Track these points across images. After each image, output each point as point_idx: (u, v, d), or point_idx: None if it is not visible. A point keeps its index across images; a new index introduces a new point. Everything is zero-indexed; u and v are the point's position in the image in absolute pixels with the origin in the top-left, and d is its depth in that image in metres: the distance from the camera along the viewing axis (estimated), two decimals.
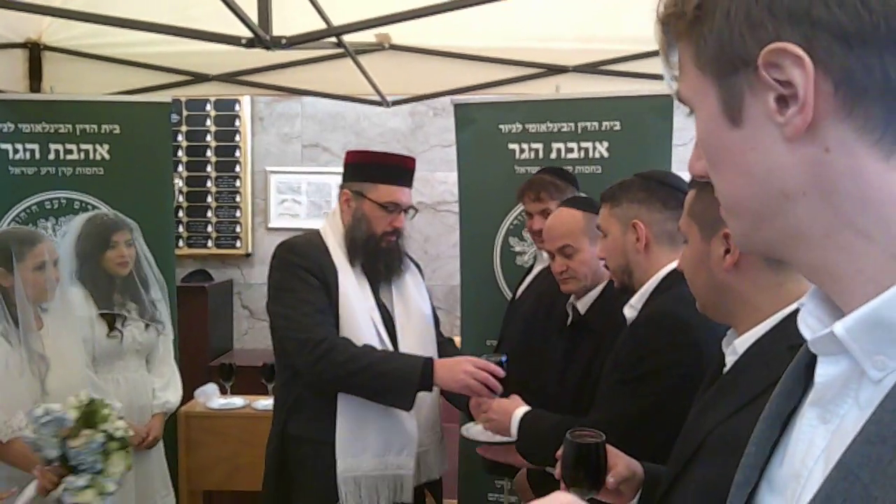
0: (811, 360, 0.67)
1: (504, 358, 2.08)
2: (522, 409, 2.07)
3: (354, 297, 2.41)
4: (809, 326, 0.65)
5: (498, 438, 2.10)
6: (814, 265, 0.62)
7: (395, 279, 2.54)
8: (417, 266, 2.74)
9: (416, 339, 2.51)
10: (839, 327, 0.58)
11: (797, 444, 0.65)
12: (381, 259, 2.48)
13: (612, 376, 1.84)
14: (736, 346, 1.32)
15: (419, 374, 2.27)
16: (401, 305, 2.54)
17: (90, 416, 2.23)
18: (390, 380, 2.28)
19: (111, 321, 3.05)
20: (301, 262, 2.40)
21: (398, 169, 2.51)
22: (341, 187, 2.56)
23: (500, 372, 2.26)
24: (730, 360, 1.35)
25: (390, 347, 2.43)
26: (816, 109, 0.56)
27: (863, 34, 0.55)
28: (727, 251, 1.32)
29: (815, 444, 0.63)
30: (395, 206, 2.47)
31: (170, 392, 3.24)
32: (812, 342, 0.63)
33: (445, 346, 2.68)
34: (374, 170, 2.48)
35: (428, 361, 2.31)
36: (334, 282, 2.40)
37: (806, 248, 0.62)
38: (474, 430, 2.20)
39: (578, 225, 2.34)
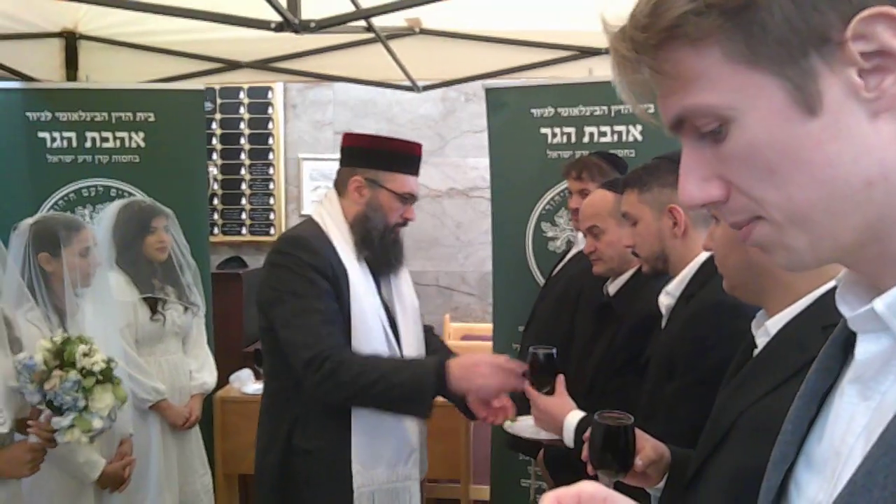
0: (848, 338, 0.66)
1: (554, 350, 1.99)
2: (576, 414, 1.88)
3: (365, 297, 2.24)
4: (848, 304, 0.63)
5: (543, 435, 2.00)
6: (876, 254, 0.59)
7: (395, 273, 2.39)
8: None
9: (413, 336, 2.38)
10: (879, 303, 0.57)
11: (837, 422, 0.64)
12: (391, 252, 2.33)
13: (672, 378, 1.72)
14: (768, 327, 1.30)
15: (433, 378, 2.07)
16: (399, 301, 2.38)
17: (62, 355, 2.22)
18: (405, 390, 2.08)
19: (153, 305, 3.12)
20: (312, 261, 2.17)
21: (414, 157, 2.35)
22: (349, 173, 2.30)
23: (519, 369, 2.04)
24: (761, 341, 1.32)
25: (395, 347, 2.29)
26: None
27: None
28: None
29: (855, 420, 0.61)
30: (412, 196, 2.33)
31: (206, 373, 3.34)
32: (852, 319, 0.62)
33: (429, 336, 2.53)
34: (392, 157, 2.29)
35: (440, 363, 2.10)
36: (345, 281, 2.20)
37: (875, 241, 0.58)
38: (519, 426, 2.09)
39: (607, 206, 2.33)
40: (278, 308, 2.16)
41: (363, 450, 2.21)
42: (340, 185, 2.33)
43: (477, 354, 2.26)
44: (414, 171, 2.35)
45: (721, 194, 0.61)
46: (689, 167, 0.62)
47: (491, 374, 2.06)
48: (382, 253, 2.30)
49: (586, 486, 0.77)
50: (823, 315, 1.17)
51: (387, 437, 2.25)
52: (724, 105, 0.58)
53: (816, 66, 0.55)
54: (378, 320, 2.26)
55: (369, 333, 2.21)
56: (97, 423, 2.23)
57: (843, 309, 0.63)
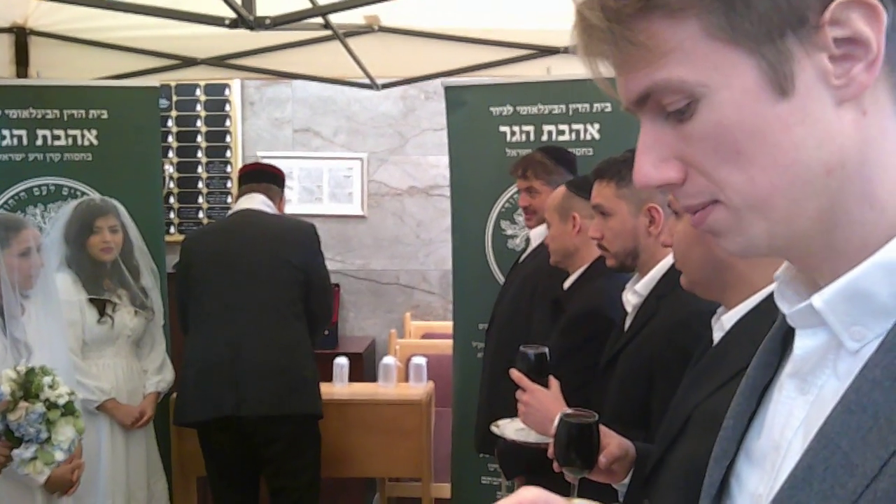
0: (786, 333, 0.67)
1: (546, 350, 1.95)
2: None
3: None
4: (787, 299, 0.64)
5: (533, 438, 1.91)
6: (821, 245, 0.59)
7: None
8: None
9: None
10: (818, 300, 0.57)
11: (775, 416, 0.65)
12: None
13: (653, 388, 1.69)
14: (723, 322, 1.32)
15: None
16: None
17: (29, 387, 2.22)
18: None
19: (101, 307, 3.06)
20: None
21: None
22: (279, 191, 3.44)
23: None
24: (717, 335, 1.34)
25: None
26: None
27: None
28: None
29: (793, 415, 0.62)
30: None
31: (164, 373, 3.29)
32: (790, 315, 0.62)
33: None
34: (283, 182, 3.49)
35: None
36: None
37: (824, 231, 0.58)
38: (508, 429, 2.02)
39: (553, 202, 2.41)
40: (324, 270, 3.36)
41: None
42: (273, 198, 3.38)
43: None
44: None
45: (678, 176, 0.60)
46: (647, 146, 0.61)
47: None
48: None
49: (526, 493, 0.75)
50: (775, 310, 1.18)
51: None
52: (697, 81, 0.56)
53: (792, 47, 0.54)
54: None
55: None
56: (59, 456, 2.25)
57: (782, 305, 0.64)
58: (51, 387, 2.27)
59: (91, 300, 3.06)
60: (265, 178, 3.40)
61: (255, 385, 3.03)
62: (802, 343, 0.61)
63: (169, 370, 3.34)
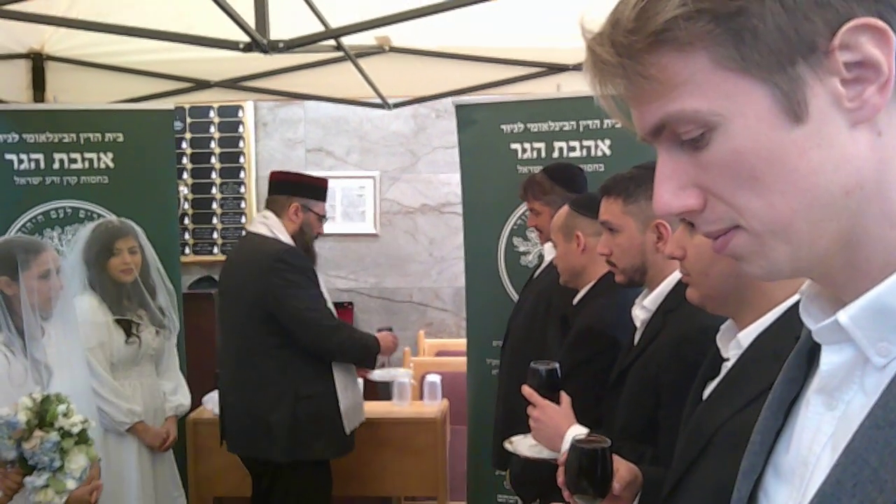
0: (812, 348, 0.67)
1: (556, 366, 1.96)
2: (577, 429, 1.84)
3: (322, 287, 3.18)
4: (812, 316, 0.64)
5: (546, 454, 1.91)
6: (844, 264, 0.59)
7: None
8: None
9: None
10: (843, 316, 0.58)
11: (803, 431, 0.65)
12: (316, 256, 3.27)
13: (660, 404, 1.68)
14: (740, 340, 1.29)
15: (378, 345, 3.20)
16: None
17: (44, 415, 2.24)
18: (373, 350, 3.19)
19: (127, 327, 3.09)
20: (307, 265, 3.09)
21: (326, 190, 3.28)
22: (287, 200, 3.14)
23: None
24: (733, 353, 1.32)
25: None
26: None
27: None
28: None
29: (821, 430, 0.62)
30: (325, 217, 3.25)
31: (180, 395, 3.32)
32: (816, 331, 0.63)
33: None
34: (316, 189, 3.21)
35: (375, 336, 3.28)
36: (317, 277, 3.13)
37: (845, 250, 0.59)
38: (521, 446, 2.01)
39: (556, 222, 2.43)
40: (294, 300, 3.00)
41: (341, 385, 3.12)
42: (279, 209, 3.14)
43: (382, 333, 3.33)
44: (325, 198, 3.27)
45: (697, 203, 0.61)
46: (665, 175, 0.62)
47: (393, 340, 3.30)
48: (312, 257, 3.21)
49: None
50: (796, 325, 1.17)
51: (348, 374, 3.19)
52: (711, 111, 0.57)
53: (804, 74, 0.55)
54: (330, 305, 3.21)
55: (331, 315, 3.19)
56: (70, 485, 2.26)
57: (808, 321, 0.64)
58: (65, 415, 2.28)
59: (117, 321, 3.09)
60: (272, 189, 3.23)
61: (233, 425, 3.15)
62: (829, 359, 0.62)
63: (184, 392, 3.36)
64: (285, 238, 3.07)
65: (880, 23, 0.53)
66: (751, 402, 1.18)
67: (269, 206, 3.17)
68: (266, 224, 3.11)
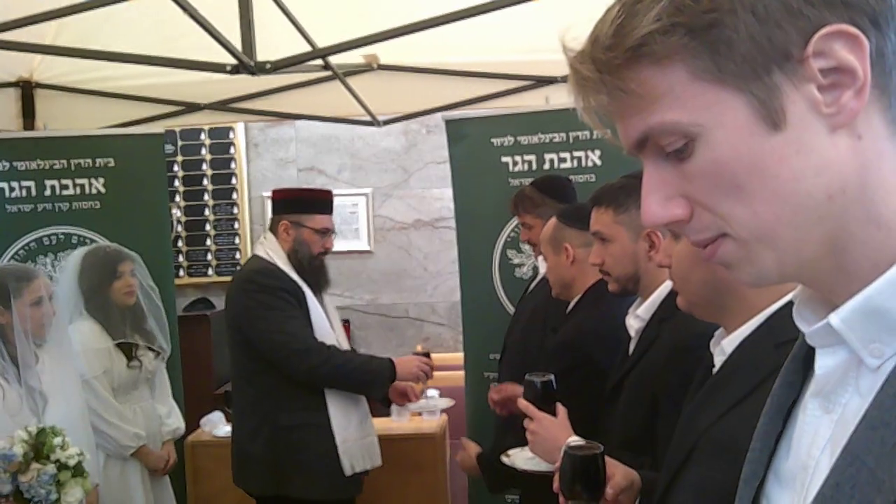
0: (809, 352, 0.67)
1: (552, 377, 1.93)
2: (575, 440, 1.82)
3: (317, 308, 2.95)
4: (805, 319, 0.64)
5: (544, 467, 1.89)
6: (831, 268, 0.60)
7: (325, 290, 3.08)
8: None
9: (342, 338, 3.09)
10: (835, 318, 0.58)
11: (802, 436, 0.65)
12: (320, 275, 3.02)
13: (656, 413, 1.68)
14: (724, 346, 1.30)
15: (389, 370, 2.90)
16: (330, 311, 3.10)
17: (40, 447, 2.23)
18: (374, 376, 2.90)
19: (128, 352, 3.09)
20: (279, 284, 2.87)
21: (325, 201, 3.04)
22: (278, 219, 2.99)
23: (433, 364, 3.02)
24: (718, 360, 1.33)
25: (341, 347, 2.98)
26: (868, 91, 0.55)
27: (887, 14, 0.54)
28: None
29: (819, 434, 0.62)
30: (327, 231, 2.99)
31: (174, 418, 3.31)
32: (809, 335, 0.63)
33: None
34: (309, 203, 3.00)
35: (391, 360, 2.96)
36: (303, 297, 2.90)
37: (832, 254, 0.59)
38: (518, 459, 2.01)
39: (545, 234, 2.43)
40: (263, 322, 2.81)
41: (338, 417, 2.87)
42: (273, 229, 3.01)
43: (406, 356, 3.11)
44: (327, 210, 3.03)
45: (684, 213, 0.62)
46: (652, 187, 0.63)
47: (420, 364, 2.95)
48: (314, 276, 2.98)
49: None
50: (776, 333, 1.18)
51: (353, 406, 2.94)
52: (691, 122, 0.58)
53: (780, 82, 0.56)
54: (328, 326, 2.97)
55: (323, 336, 2.89)
56: None
57: (801, 325, 0.64)
58: (61, 447, 2.27)
59: (118, 345, 3.08)
60: (273, 208, 3.13)
61: (232, 453, 3.05)
62: (823, 362, 0.62)
63: (177, 415, 3.35)
64: (280, 258, 2.93)
65: (852, 29, 0.54)
66: (731, 408, 1.20)
67: (270, 226, 3.07)
68: (263, 245, 3.02)
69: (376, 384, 2.92)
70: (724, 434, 1.16)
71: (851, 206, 0.57)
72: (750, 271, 0.62)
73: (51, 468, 2.21)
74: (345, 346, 3.05)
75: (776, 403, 0.70)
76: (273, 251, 2.96)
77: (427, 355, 3.05)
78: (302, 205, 2.99)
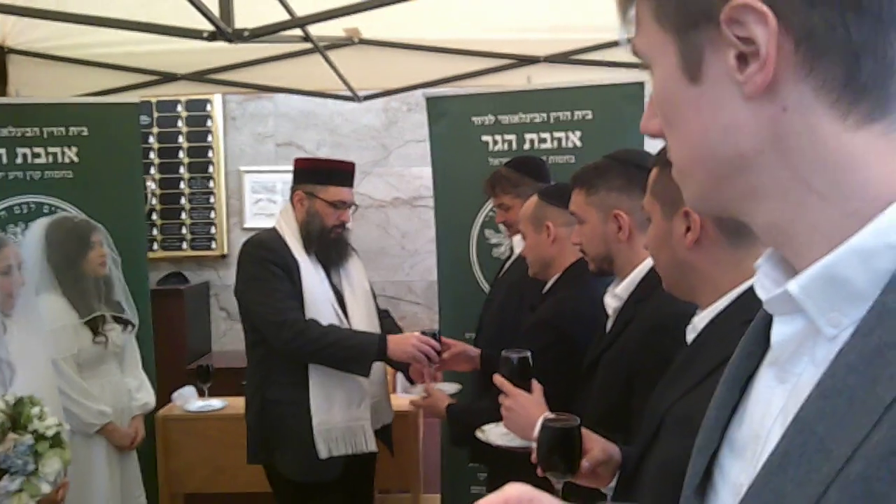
0: (768, 323, 0.67)
1: (529, 354, 1.96)
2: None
3: (314, 282, 2.84)
4: (765, 288, 0.64)
5: (518, 443, 1.92)
6: (770, 224, 0.61)
7: (342, 264, 2.97)
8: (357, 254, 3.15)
9: (363, 313, 2.96)
10: (793, 285, 0.58)
11: (756, 406, 0.66)
12: (332, 248, 2.91)
13: (632, 392, 1.68)
14: (696, 324, 1.32)
15: (376, 347, 2.74)
16: (348, 286, 2.97)
17: (17, 417, 2.20)
18: (354, 352, 2.74)
19: (94, 326, 3.03)
20: (269, 256, 2.79)
21: (342, 172, 2.93)
22: (293, 189, 2.92)
23: (450, 343, 2.80)
24: (690, 337, 1.34)
25: (345, 323, 2.88)
26: (777, 67, 0.56)
27: None
28: (688, 229, 1.31)
29: (772, 404, 0.63)
30: (343, 203, 2.88)
31: (144, 392, 3.27)
32: (767, 302, 0.63)
33: (384, 319, 3.13)
34: (325, 174, 2.89)
35: (382, 337, 2.79)
36: (297, 271, 2.80)
37: (763, 208, 0.61)
38: (493, 434, 2.02)
39: (525, 212, 2.42)
40: (249, 292, 2.80)
41: (318, 397, 2.79)
42: (291, 199, 2.93)
43: (408, 333, 2.89)
44: (345, 183, 2.91)
45: (658, 130, 0.67)
46: (650, 101, 0.68)
47: (416, 343, 2.72)
48: (324, 248, 2.88)
49: (511, 490, 0.77)
50: (745, 310, 1.19)
51: (338, 386, 2.82)
52: (644, 53, 0.65)
53: (701, 40, 0.59)
54: (327, 301, 2.86)
55: (319, 311, 2.79)
56: (45, 488, 2.22)
57: (760, 293, 0.65)
58: (39, 418, 2.24)
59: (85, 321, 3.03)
60: (293, 178, 2.97)
61: None
62: (779, 330, 0.62)
63: (147, 389, 3.30)
64: (290, 229, 2.84)
65: (760, 6, 0.55)
66: (695, 385, 1.21)
67: (291, 196, 2.95)
68: (281, 215, 2.94)
69: (358, 361, 2.74)
70: (687, 410, 1.17)
71: (773, 170, 0.59)
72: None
73: (28, 438, 2.19)
74: (361, 327, 2.89)
75: (734, 373, 0.70)
76: (286, 222, 2.88)
77: (436, 336, 2.78)
78: (318, 175, 2.88)
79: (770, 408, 0.63)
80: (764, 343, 0.68)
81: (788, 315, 0.61)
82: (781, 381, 0.62)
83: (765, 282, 0.65)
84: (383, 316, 3.14)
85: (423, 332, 2.78)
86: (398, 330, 3.09)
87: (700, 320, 1.30)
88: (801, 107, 0.57)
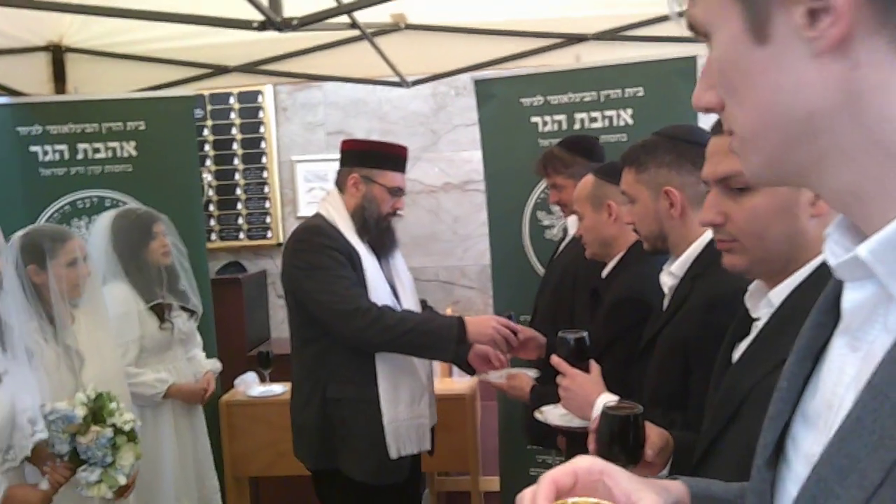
0: (840, 293, 0.65)
1: (585, 334, 1.96)
2: (607, 397, 1.81)
3: (374, 272, 2.71)
4: (835, 254, 0.63)
5: (577, 423, 1.90)
6: (841, 189, 0.59)
7: (393, 253, 2.86)
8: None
9: (411, 303, 2.85)
10: (863, 249, 0.56)
11: (828, 375, 0.64)
12: (386, 236, 2.79)
13: (689, 369, 1.66)
14: (771, 298, 1.28)
15: (456, 331, 2.56)
16: (397, 277, 2.86)
17: (98, 411, 2.29)
18: (433, 337, 2.57)
19: (160, 313, 3.12)
20: (329, 243, 2.64)
21: (399, 157, 2.79)
22: (347, 172, 2.75)
23: (519, 329, 2.61)
24: (765, 312, 1.30)
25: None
26: (850, 21, 0.54)
27: None
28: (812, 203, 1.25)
29: (845, 372, 0.61)
30: (399, 190, 2.76)
31: (211, 361, 3.39)
32: (837, 267, 0.61)
33: (424, 309, 3.08)
34: (382, 158, 2.74)
35: (461, 320, 2.61)
36: (357, 259, 2.67)
37: (834, 172, 0.59)
38: (551, 415, 2.01)
39: (582, 192, 2.38)
40: (309, 282, 2.60)
41: (387, 393, 2.65)
42: (340, 183, 2.76)
43: (484, 315, 2.75)
44: (401, 168, 2.78)
45: (715, 102, 0.65)
46: (704, 73, 0.67)
47: (497, 326, 2.57)
48: (378, 237, 2.75)
49: (581, 462, 0.77)
50: (825, 280, 1.16)
51: (404, 382, 2.70)
52: (704, 20, 0.63)
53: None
54: (387, 290, 2.73)
55: (379, 300, 2.64)
56: (121, 480, 2.32)
57: (830, 259, 0.63)
58: (118, 412, 2.34)
59: (151, 307, 3.12)
60: (341, 160, 2.82)
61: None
62: (850, 296, 0.60)
63: (212, 361, 3.43)
64: (341, 216, 2.69)
65: None
66: (782, 361, 1.17)
67: (337, 180, 2.80)
68: (325, 202, 2.77)
69: (438, 347, 2.57)
70: (771, 390, 1.14)
71: (845, 130, 0.57)
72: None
73: (108, 432, 2.28)
74: None
75: (805, 343, 0.69)
76: (335, 208, 2.72)
77: (511, 319, 2.68)
78: (376, 159, 2.72)
79: (842, 376, 0.61)
80: (835, 313, 0.67)
81: (859, 281, 0.59)
82: (854, 350, 0.61)
83: (835, 248, 0.63)
84: (423, 306, 3.10)
85: (500, 314, 2.74)
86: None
87: (776, 295, 1.25)
88: (874, 63, 0.54)
